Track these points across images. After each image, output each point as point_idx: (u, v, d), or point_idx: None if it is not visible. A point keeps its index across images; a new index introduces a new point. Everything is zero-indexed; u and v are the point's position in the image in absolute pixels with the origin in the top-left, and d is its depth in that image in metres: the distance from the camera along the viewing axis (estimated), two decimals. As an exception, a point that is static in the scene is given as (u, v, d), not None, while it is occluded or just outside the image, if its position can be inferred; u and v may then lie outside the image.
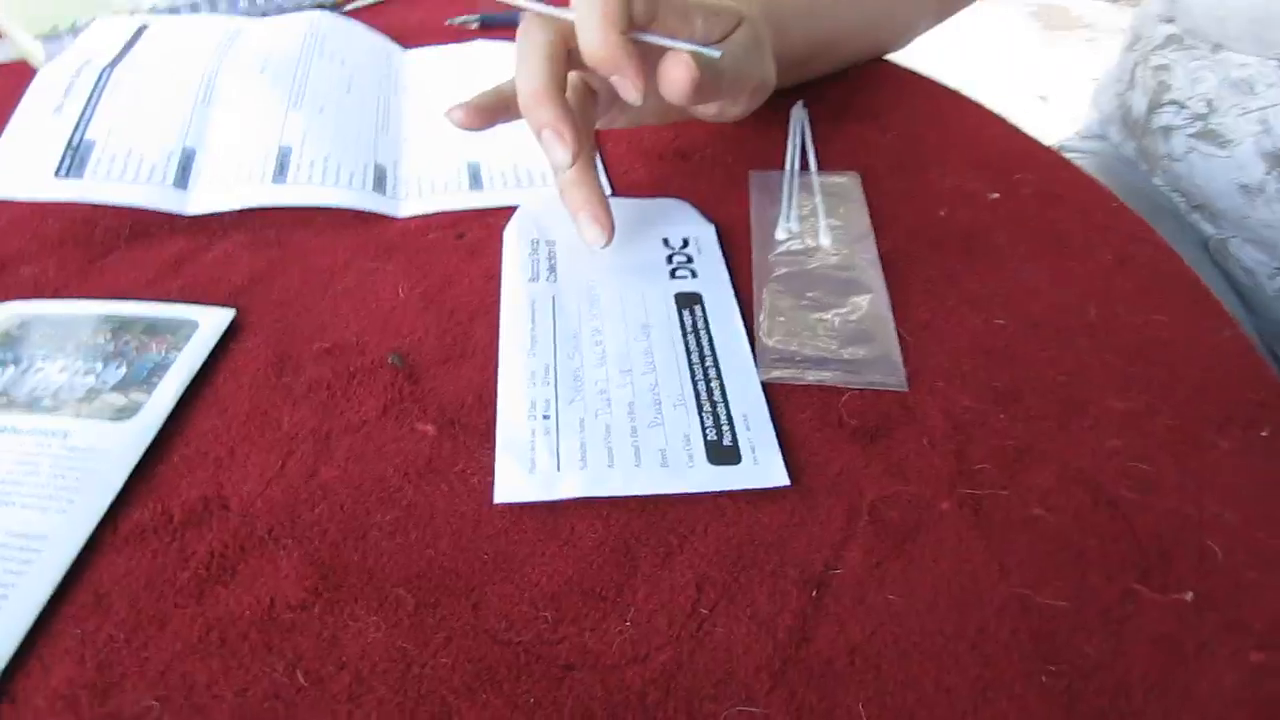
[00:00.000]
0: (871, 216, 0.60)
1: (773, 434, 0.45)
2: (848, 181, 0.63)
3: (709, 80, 0.51)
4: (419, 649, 0.38)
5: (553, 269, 0.55)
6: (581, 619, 0.39)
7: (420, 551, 0.41)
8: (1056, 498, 0.43)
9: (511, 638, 0.38)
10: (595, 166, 0.54)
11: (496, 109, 0.53)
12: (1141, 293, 0.54)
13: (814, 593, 0.39)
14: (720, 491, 0.43)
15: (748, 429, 0.45)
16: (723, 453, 0.44)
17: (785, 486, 0.43)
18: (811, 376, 0.49)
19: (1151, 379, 0.49)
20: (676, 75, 0.48)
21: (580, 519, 0.42)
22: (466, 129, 0.52)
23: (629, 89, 0.47)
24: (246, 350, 0.51)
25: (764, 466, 0.44)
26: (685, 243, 0.57)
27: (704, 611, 0.39)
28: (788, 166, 0.64)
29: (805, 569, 0.40)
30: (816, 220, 0.59)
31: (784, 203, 0.61)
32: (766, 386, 0.48)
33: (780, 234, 0.58)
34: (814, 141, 0.67)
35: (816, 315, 0.52)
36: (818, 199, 0.61)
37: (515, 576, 0.40)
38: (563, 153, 0.48)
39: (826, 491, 0.43)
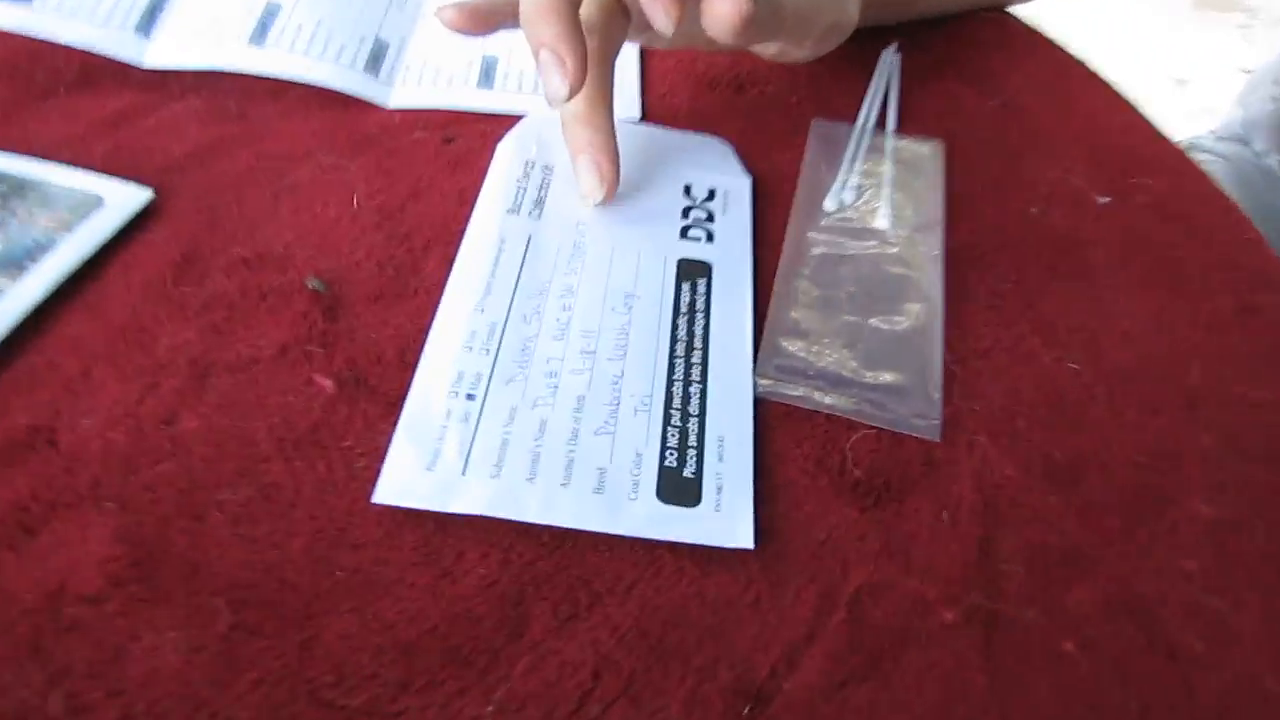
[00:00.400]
0: (947, 201, 0.46)
1: (749, 470, 0.33)
2: (928, 152, 0.49)
3: (766, 17, 0.38)
4: (216, 690, 0.27)
5: (540, 202, 0.43)
6: (435, 688, 0.28)
7: (262, 551, 0.30)
8: (1099, 630, 0.30)
9: (337, 698, 0.27)
10: (609, 101, 0.42)
11: (497, 13, 0.40)
12: (1262, 357, 0.40)
13: (748, 710, 0.28)
14: (662, 541, 0.31)
15: (720, 459, 0.33)
16: (679, 487, 0.32)
17: (747, 549, 0.31)
18: (822, 399, 0.36)
19: (1254, 481, 0.35)
20: (722, 11, 0.35)
21: (473, 545, 0.31)
22: (458, 32, 0.40)
23: (659, 15, 0.35)
24: (151, 243, 0.40)
25: (726, 515, 0.32)
26: (711, 194, 0.45)
27: (595, 710, 0.27)
28: (860, 121, 0.51)
29: (745, 674, 0.29)
30: (878, 193, 0.46)
31: (844, 165, 0.47)
32: (759, 403, 0.36)
33: (830, 204, 0.45)
34: (899, 96, 0.53)
35: (849, 318, 0.39)
36: (886, 166, 0.47)
37: (369, 610, 0.29)
38: (559, 83, 0.36)
39: (800, 565, 0.31)
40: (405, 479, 0.32)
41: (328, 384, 0.35)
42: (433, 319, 0.38)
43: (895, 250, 0.44)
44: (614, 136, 0.42)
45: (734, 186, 0.46)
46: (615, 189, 0.42)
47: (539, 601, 0.30)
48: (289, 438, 0.34)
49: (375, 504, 0.32)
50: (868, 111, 0.52)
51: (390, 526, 0.32)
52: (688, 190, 0.45)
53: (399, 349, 0.37)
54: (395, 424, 0.34)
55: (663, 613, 0.30)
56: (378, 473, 0.33)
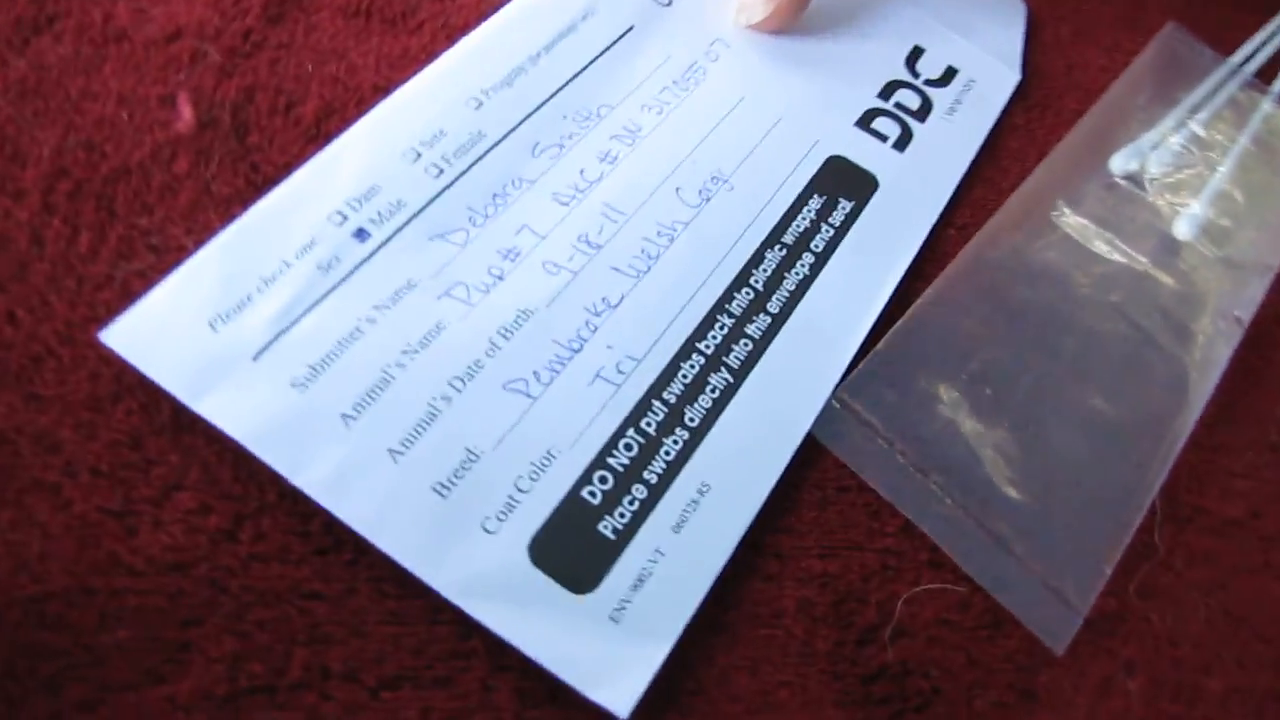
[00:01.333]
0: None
1: (715, 567, 0.16)
2: (1316, 149, 0.27)
3: None
4: None
5: (683, -19, 0.24)
6: None
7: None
8: None
9: None
10: None
11: None
12: None
13: None
14: (481, 629, 0.15)
15: (678, 525, 0.17)
16: (579, 545, 0.16)
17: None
18: (913, 495, 0.18)
19: None
20: None
21: (199, 488, 0.16)
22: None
23: None
24: None
25: (625, 636, 0.16)
26: (946, 75, 0.25)
27: None
28: (1238, 57, 0.28)
29: None
30: (1204, 178, 0.25)
31: (1178, 109, 0.26)
32: (810, 444, 0.18)
33: (1123, 162, 0.25)
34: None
35: (1045, 370, 0.20)
36: (1240, 143, 0.26)
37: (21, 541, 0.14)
38: None
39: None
40: (167, 326, 0.17)
41: (187, 115, 0.20)
42: (404, 82, 0.20)
43: (1174, 285, 0.23)
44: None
45: (989, 78, 0.26)
46: (792, 17, 0.23)
47: (222, 636, 0.15)
48: (75, 173, 0.18)
49: (103, 343, 0.16)
50: (1256, 47, 0.29)
51: (103, 391, 0.16)
52: (913, 57, 0.25)
53: (324, 107, 0.20)
54: (227, 224, 0.18)
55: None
56: (145, 292, 0.17)
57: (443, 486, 0.17)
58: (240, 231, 0.19)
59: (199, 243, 0.19)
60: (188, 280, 0.18)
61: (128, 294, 0.18)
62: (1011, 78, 0.27)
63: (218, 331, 0.17)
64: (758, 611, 0.18)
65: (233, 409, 0.17)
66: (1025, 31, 0.28)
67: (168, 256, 0.19)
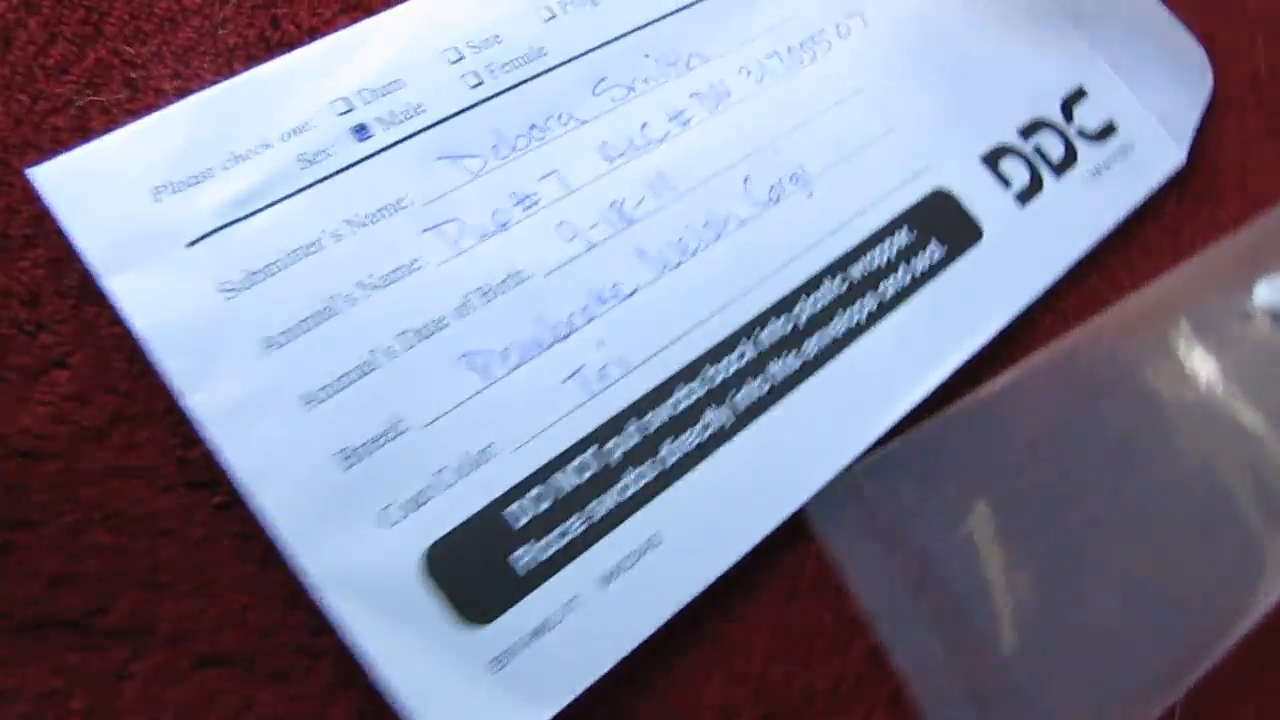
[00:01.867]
0: None
1: (634, 640, 0.13)
2: None
3: None
4: None
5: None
6: None
7: None
8: None
9: None
10: None
11: None
12: None
13: None
14: (352, 639, 0.11)
15: (607, 579, 0.13)
16: (479, 572, 0.12)
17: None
18: (891, 611, 0.13)
19: None
20: None
21: (88, 371, 0.13)
22: None
23: None
24: None
25: (500, 692, 0.13)
26: (1105, 132, 0.20)
27: None
28: None
29: None
30: None
31: None
32: (797, 522, 0.13)
33: (1266, 295, 0.20)
34: None
35: (1087, 506, 0.15)
36: None
37: None
38: None
39: None
40: (107, 181, 0.13)
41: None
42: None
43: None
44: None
45: (1150, 148, 0.21)
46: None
47: (50, 552, 0.12)
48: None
49: (30, 177, 0.13)
50: None
51: (16, 231, 0.14)
52: (1073, 100, 0.20)
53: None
54: (219, 80, 0.14)
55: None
56: (102, 133, 0.13)
57: (350, 454, 0.13)
58: (227, 93, 0.15)
59: (181, 92, 0.15)
60: (148, 134, 0.14)
61: (83, 129, 0.15)
62: (1175, 156, 0.21)
63: (160, 202, 0.14)
64: (669, 703, 0.14)
65: (144, 296, 0.13)
66: (1205, 108, 0.22)
67: (142, 98, 0.15)
